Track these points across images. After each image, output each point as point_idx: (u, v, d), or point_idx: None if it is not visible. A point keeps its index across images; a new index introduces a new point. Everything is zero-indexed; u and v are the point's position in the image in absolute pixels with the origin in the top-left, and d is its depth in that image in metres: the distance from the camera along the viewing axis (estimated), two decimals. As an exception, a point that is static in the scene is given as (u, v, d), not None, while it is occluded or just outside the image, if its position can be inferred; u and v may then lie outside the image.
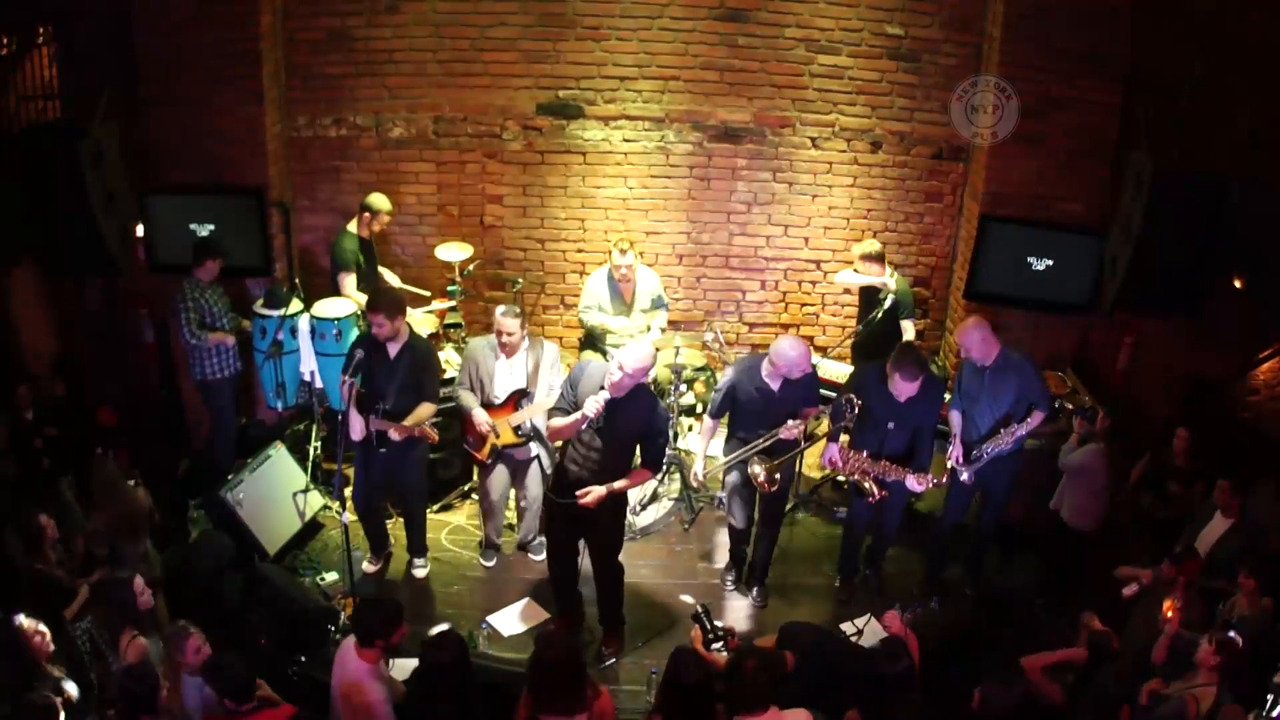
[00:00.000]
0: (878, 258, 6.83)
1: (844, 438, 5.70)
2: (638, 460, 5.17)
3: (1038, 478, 6.32)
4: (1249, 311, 6.39)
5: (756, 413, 5.45)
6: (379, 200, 6.81)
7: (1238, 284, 6.26)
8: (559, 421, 5.04)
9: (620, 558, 5.48)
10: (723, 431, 5.89)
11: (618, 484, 5.04)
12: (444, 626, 5.20)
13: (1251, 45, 5.98)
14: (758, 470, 5.36)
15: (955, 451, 5.69)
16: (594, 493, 4.97)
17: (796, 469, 6.15)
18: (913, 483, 5.45)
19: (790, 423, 5.34)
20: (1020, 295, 6.60)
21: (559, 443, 5.30)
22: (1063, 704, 4.56)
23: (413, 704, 4.18)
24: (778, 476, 5.38)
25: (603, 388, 4.86)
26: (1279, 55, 5.90)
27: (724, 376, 5.66)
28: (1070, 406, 6.54)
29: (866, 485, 5.47)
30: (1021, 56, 6.50)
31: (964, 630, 5.62)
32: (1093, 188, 6.68)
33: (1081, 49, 6.42)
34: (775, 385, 5.42)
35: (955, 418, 5.75)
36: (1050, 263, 6.48)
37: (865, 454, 5.50)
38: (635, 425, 4.99)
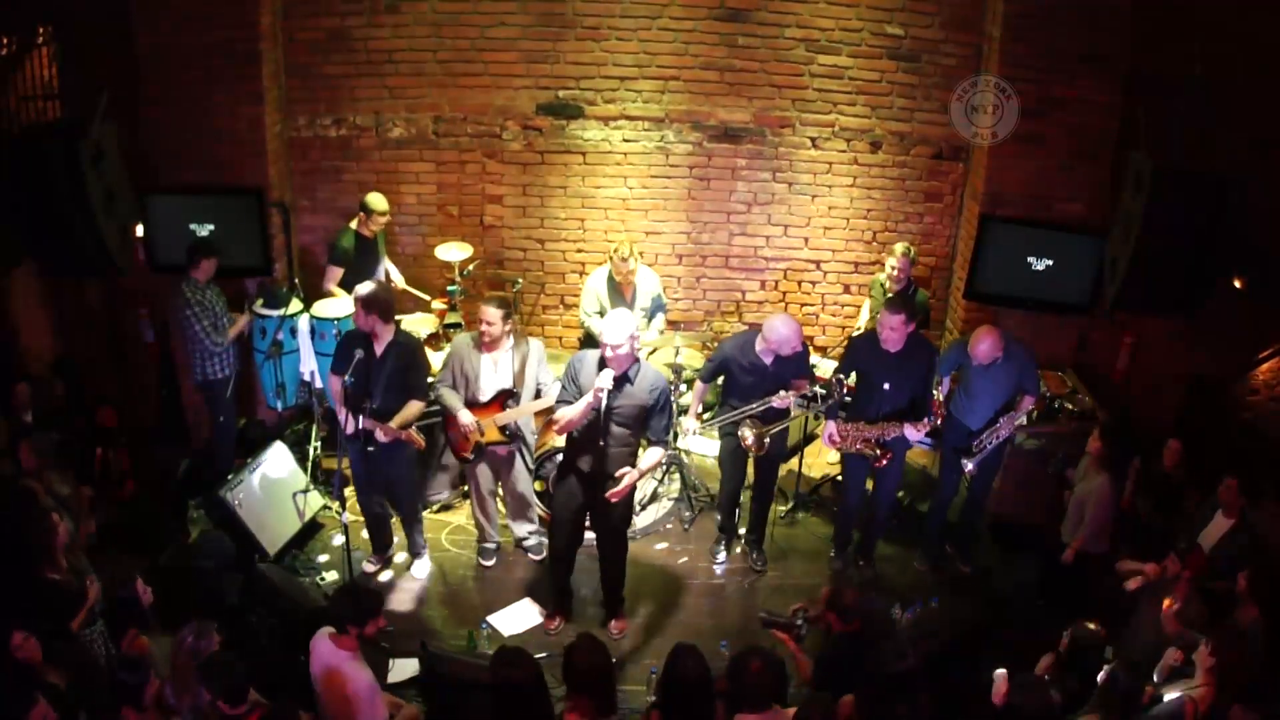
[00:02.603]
0: (912, 262, 6.80)
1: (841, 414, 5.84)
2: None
3: (1038, 477, 6.33)
4: (1249, 311, 6.39)
5: (749, 385, 5.64)
6: (375, 200, 6.80)
7: (1238, 284, 6.26)
8: (569, 411, 5.03)
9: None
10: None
11: (644, 466, 5.18)
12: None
13: (1251, 45, 5.98)
14: (747, 434, 5.58)
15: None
16: (627, 478, 5.10)
17: (790, 447, 6.26)
18: (910, 431, 5.55)
19: (781, 392, 5.55)
20: (1020, 295, 6.61)
21: (562, 438, 5.36)
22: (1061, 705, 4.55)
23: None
24: (766, 441, 5.60)
25: (602, 369, 4.95)
26: (1279, 55, 5.91)
27: (718, 349, 5.83)
28: (1070, 406, 6.54)
29: (872, 451, 5.63)
30: (1021, 56, 6.50)
31: (965, 630, 5.61)
32: (1093, 188, 6.68)
33: (1081, 49, 6.43)
34: (768, 360, 5.59)
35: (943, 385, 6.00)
36: (1050, 263, 6.49)
37: (862, 423, 5.65)
38: (641, 398, 5.06)
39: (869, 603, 4.60)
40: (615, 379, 4.96)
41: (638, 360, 5.09)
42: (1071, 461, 6.06)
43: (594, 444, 5.09)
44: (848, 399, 5.74)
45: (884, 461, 5.68)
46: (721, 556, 6.18)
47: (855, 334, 6.03)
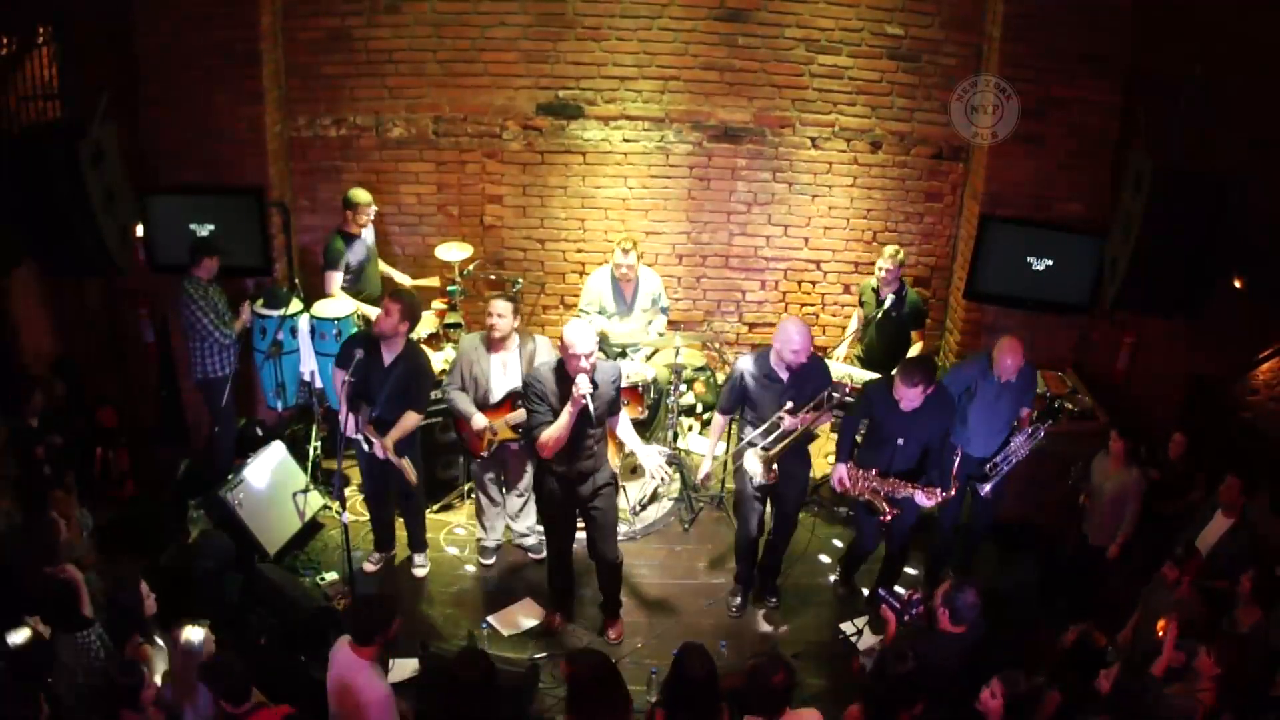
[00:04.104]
0: (902, 264, 6.75)
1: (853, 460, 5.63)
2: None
3: (1039, 477, 6.32)
4: (1249, 311, 6.39)
5: (763, 402, 5.41)
6: (357, 193, 6.77)
7: (1238, 284, 6.26)
8: (554, 430, 5.00)
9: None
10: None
11: (639, 447, 5.34)
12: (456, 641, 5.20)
13: (1251, 45, 5.98)
14: (756, 467, 5.30)
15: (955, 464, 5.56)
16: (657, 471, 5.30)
17: (810, 478, 6.05)
18: (921, 498, 5.30)
19: (789, 405, 5.29)
20: (1020, 295, 6.61)
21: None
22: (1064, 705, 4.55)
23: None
24: (774, 468, 5.29)
25: (562, 378, 4.96)
26: (1279, 55, 5.91)
27: (733, 369, 5.61)
28: (1070, 406, 6.54)
29: (878, 504, 5.37)
30: (1021, 56, 6.50)
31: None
32: (1093, 188, 6.68)
33: (1081, 49, 6.42)
34: (784, 373, 5.38)
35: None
36: (1050, 263, 6.49)
37: (874, 472, 5.40)
38: (609, 392, 5.11)
39: (976, 614, 4.51)
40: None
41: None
42: (1087, 473, 6.04)
43: (574, 445, 5.09)
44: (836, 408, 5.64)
45: (888, 518, 5.35)
46: (738, 602, 5.93)
47: (868, 381, 5.82)
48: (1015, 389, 5.62)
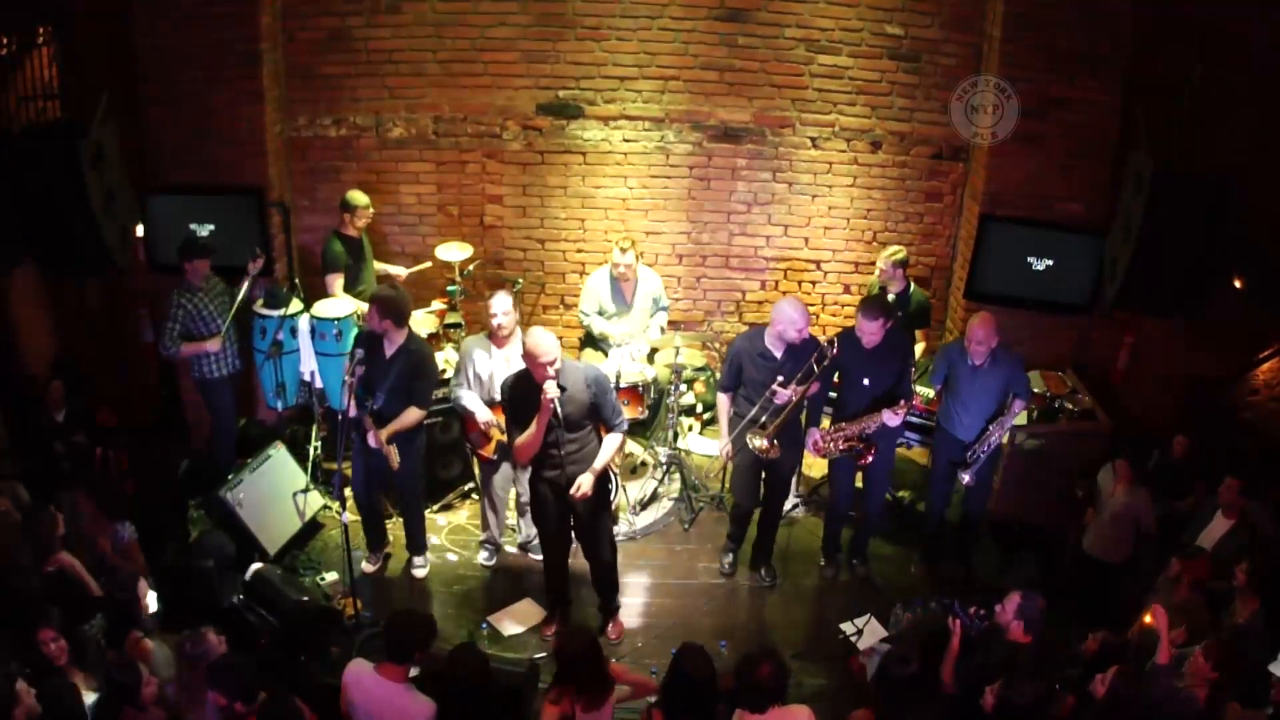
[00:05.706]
0: (902, 264, 6.75)
1: (825, 422, 5.84)
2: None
3: (1039, 477, 6.32)
4: (1249, 311, 6.39)
5: (760, 381, 5.57)
6: (355, 195, 6.77)
7: (1238, 284, 6.26)
8: (524, 437, 5.02)
9: (620, 557, 5.63)
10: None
11: (598, 464, 5.12)
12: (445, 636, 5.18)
13: (1251, 45, 5.98)
14: (759, 443, 5.48)
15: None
16: (584, 484, 5.06)
17: (799, 463, 6.17)
18: (889, 416, 5.53)
19: (780, 377, 5.44)
20: (1020, 295, 6.62)
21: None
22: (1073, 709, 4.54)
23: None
24: (775, 442, 5.48)
25: (545, 384, 4.87)
26: (1279, 55, 5.90)
27: (729, 348, 5.77)
28: (1070, 406, 6.53)
29: (855, 448, 5.65)
30: (1021, 56, 6.51)
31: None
32: (1093, 188, 6.68)
33: (1081, 49, 6.43)
34: (778, 351, 5.52)
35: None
36: (1050, 263, 6.50)
37: (842, 423, 5.68)
38: (582, 395, 5.04)
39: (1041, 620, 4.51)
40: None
41: (567, 361, 5.06)
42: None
43: (555, 452, 5.07)
44: (833, 394, 5.80)
45: (869, 458, 5.68)
46: (730, 560, 6.16)
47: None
48: (992, 375, 5.66)
